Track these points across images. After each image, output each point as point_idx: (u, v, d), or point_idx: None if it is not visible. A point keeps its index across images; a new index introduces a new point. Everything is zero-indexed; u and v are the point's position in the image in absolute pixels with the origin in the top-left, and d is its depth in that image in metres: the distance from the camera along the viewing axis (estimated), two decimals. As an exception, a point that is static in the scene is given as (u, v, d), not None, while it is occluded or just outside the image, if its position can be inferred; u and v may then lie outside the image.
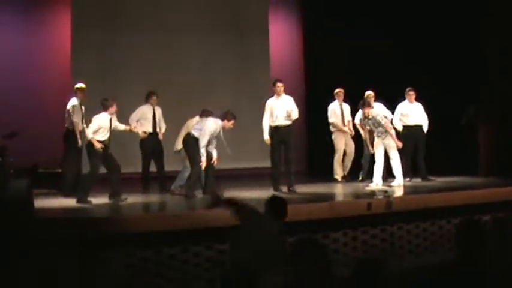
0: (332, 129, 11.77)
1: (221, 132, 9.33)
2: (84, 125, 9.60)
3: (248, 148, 13.94)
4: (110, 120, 8.96)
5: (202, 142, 9.03)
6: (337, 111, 11.74)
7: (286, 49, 15.71)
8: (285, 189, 9.62)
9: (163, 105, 10.84)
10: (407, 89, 11.38)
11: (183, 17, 14.22)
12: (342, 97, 11.82)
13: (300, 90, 13.47)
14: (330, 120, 11.75)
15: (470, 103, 11.84)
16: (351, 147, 11.73)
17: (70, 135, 9.87)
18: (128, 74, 13.51)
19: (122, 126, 9.41)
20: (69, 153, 9.93)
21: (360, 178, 11.50)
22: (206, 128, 9.09)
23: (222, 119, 9.26)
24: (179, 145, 9.83)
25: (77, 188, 9.22)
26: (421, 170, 11.21)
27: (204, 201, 8.85)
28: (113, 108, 9.02)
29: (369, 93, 11.33)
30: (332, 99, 11.90)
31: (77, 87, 10.15)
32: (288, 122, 9.75)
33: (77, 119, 9.81)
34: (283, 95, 9.91)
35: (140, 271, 6.72)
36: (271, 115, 9.79)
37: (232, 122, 9.32)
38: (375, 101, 11.10)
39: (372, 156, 10.63)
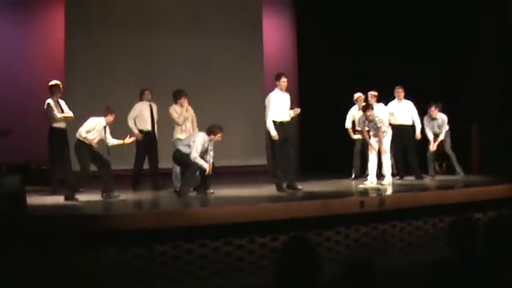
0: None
1: (210, 146, 9.17)
2: (70, 113, 9.84)
3: (241, 146, 13.97)
4: (105, 128, 8.92)
5: (193, 156, 8.89)
6: (356, 116, 11.52)
7: (279, 47, 15.72)
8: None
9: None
10: (396, 87, 11.32)
11: (176, 16, 14.24)
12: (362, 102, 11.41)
13: (293, 88, 13.38)
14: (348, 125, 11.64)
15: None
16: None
17: (52, 133, 9.83)
18: (120, 72, 13.54)
19: (114, 141, 9.11)
20: (53, 150, 9.85)
21: (353, 176, 11.52)
22: (196, 144, 8.91)
23: (209, 134, 9.09)
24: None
25: (65, 185, 9.21)
26: (412, 168, 11.13)
27: (196, 200, 8.83)
28: (110, 118, 8.98)
29: (359, 95, 11.31)
30: (352, 104, 11.68)
31: (50, 85, 9.99)
32: (289, 118, 9.47)
33: (56, 112, 9.76)
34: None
35: (132, 268, 6.71)
36: (275, 110, 9.24)
37: (219, 134, 9.14)
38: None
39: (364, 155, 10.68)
